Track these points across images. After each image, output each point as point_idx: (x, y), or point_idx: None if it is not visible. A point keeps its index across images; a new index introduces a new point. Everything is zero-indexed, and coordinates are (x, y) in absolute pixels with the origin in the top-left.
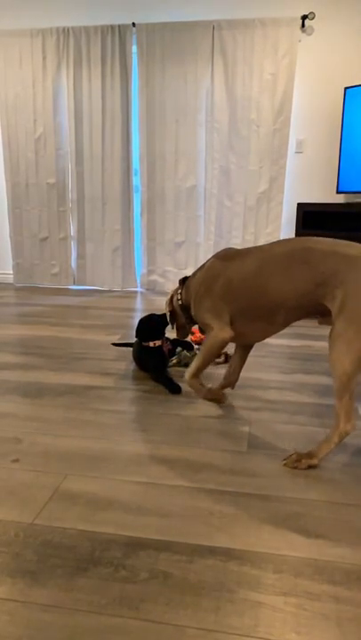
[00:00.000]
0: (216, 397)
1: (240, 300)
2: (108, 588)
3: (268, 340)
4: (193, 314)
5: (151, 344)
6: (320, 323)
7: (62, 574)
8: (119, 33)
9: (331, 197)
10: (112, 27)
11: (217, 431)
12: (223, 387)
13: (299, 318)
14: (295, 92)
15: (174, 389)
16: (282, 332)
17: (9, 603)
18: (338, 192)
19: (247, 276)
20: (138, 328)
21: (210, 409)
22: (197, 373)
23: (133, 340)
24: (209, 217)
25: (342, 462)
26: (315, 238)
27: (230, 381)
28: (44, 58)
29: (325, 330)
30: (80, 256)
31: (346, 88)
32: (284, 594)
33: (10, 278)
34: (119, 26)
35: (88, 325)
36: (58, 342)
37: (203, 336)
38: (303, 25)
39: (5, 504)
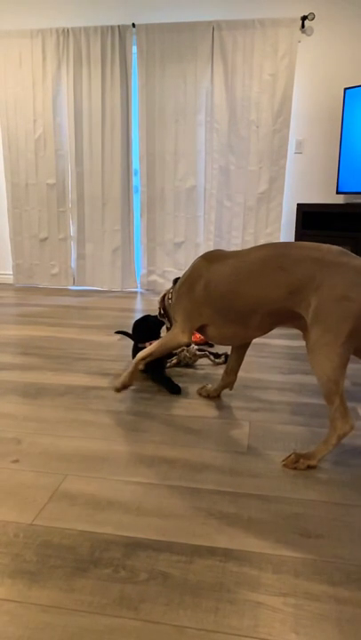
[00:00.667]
0: (127, 385)
1: (216, 302)
2: (107, 588)
3: (268, 341)
4: (171, 309)
5: (147, 345)
6: (305, 338)
7: (62, 575)
8: (119, 33)
9: (330, 198)
10: (112, 27)
11: (217, 432)
12: (222, 387)
13: (275, 324)
14: (295, 93)
15: (174, 389)
16: (281, 332)
17: (8, 603)
18: (338, 192)
19: (223, 280)
20: (133, 329)
21: (210, 409)
22: (146, 358)
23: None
24: (209, 217)
25: (342, 463)
26: (292, 243)
27: (228, 382)
28: (44, 58)
29: None
30: (80, 256)
31: (345, 89)
32: (284, 594)
33: (10, 279)
34: (119, 26)
35: (88, 326)
36: (57, 343)
37: (203, 337)
38: (303, 26)
39: (5, 504)
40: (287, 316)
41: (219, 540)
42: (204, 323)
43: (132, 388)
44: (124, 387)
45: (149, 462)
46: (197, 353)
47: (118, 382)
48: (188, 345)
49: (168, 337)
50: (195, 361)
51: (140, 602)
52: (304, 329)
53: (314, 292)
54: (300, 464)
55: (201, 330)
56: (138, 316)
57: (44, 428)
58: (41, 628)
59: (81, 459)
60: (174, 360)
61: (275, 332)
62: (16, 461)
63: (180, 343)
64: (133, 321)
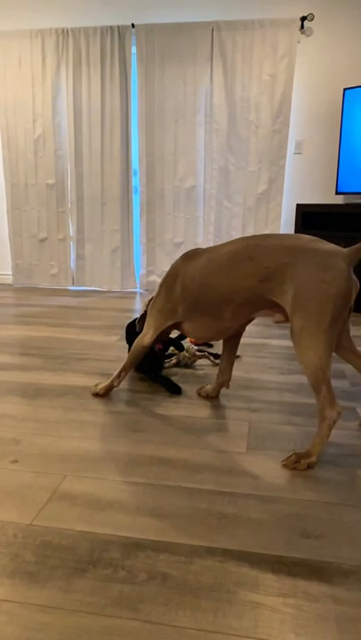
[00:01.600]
0: (100, 395)
1: (191, 296)
2: (106, 588)
3: (267, 342)
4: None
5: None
6: (276, 322)
7: (61, 575)
8: (118, 34)
9: (330, 198)
10: (111, 27)
11: (216, 432)
12: (219, 386)
13: (250, 314)
14: (294, 93)
15: (174, 389)
16: (280, 332)
17: (7, 604)
18: (337, 193)
19: (197, 274)
20: (126, 334)
21: (209, 410)
22: (121, 374)
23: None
24: (208, 218)
25: (341, 463)
26: (263, 235)
27: (224, 380)
28: (44, 59)
29: None
30: (79, 257)
31: (345, 89)
32: (283, 595)
33: (9, 279)
34: (118, 27)
35: (87, 326)
36: (56, 343)
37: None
38: (302, 26)
39: (4, 505)
40: (261, 305)
41: (218, 541)
42: (177, 320)
43: (132, 388)
44: (97, 395)
45: (148, 462)
46: (197, 354)
47: (97, 389)
48: (149, 347)
49: (134, 344)
50: (194, 361)
51: (139, 602)
52: (282, 319)
53: (289, 280)
54: (300, 464)
55: (178, 327)
56: (137, 316)
57: (44, 429)
58: (40, 629)
59: (80, 459)
60: (174, 360)
61: (273, 332)
62: (15, 462)
63: (143, 345)
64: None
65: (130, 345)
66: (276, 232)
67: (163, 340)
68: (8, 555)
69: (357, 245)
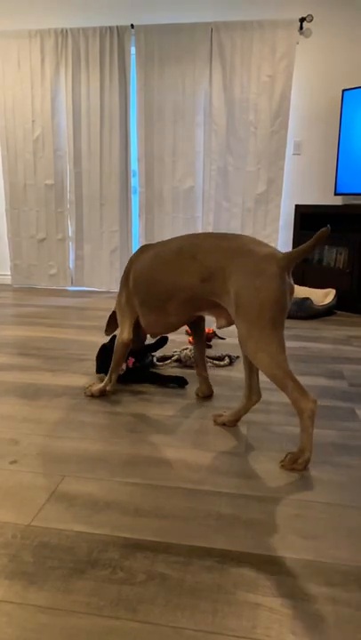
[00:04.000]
0: (94, 396)
1: (140, 290)
2: (105, 589)
3: None
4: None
5: (120, 371)
6: (219, 327)
7: (59, 576)
8: (118, 34)
9: (329, 199)
10: (110, 28)
11: (215, 433)
12: (203, 381)
13: (194, 312)
14: (293, 94)
15: (180, 382)
16: None
17: (6, 604)
18: (336, 194)
19: (146, 267)
20: (98, 364)
21: (208, 411)
22: (112, 374)
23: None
24: (207, 218)
25: (340, 464)
26: (207, 234)
27: (200, 372)
28: (43, 59)
29: (322, 331)
30: (78, 257)
31: (344, 90)
32: (282, 595)
33: (7, 279)
34: (117, 27)
35: (86, 327)
36: (55, 343)
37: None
38: (301, 27)
39: (2, 505)
40: (205, 304)
41: (217, 541)
42: (137, 314)
43: (131, 389)
44: (92, 396)
45: (147, 463)
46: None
47: (91, 389)
48: (131, 340)
49: (116, 343)
50: (194, 362)
51: (137, 603)
52: (224, 322)
53: (228, 282)
54: (297, 464)
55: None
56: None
57: (42, 429)
58: (38, 630)
59: (79, 459)
60: (175, 357)
61: None
62: (14, 462)
63: (124, 342)
64: None
65: (104, 372)
66: (274, 233)
67: (136, 347)
68: (6, 555)
69: (295, 250)
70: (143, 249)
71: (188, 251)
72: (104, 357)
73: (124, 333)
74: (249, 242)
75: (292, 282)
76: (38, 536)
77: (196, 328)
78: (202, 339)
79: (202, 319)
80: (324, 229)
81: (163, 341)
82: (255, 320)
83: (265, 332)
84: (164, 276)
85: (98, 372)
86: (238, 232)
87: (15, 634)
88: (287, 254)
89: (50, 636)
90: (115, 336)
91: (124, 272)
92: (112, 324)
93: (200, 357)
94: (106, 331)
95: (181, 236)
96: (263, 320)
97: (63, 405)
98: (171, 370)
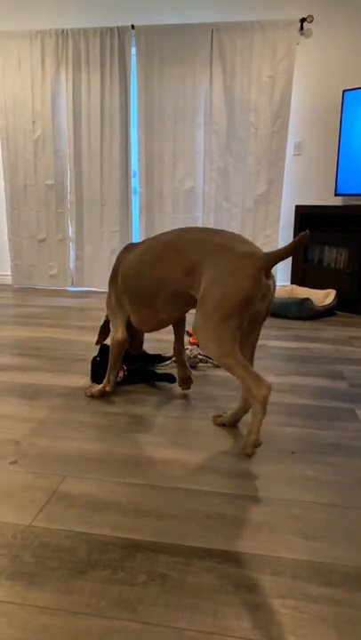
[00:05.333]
0: (94, 396)
1: (129, 286)
2: (105, 590)
3: (265, 343)
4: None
5: (118, 379)
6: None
7: (60, 576)
8: (118, 35)
9: (329, 199)
10: (111, 29)
11: (214, 433)
12: (182, 369)
13: (182, 307)
14: (293, 95)
15: (168, 379)
16: (278, 333)
17: (6, 605)
18: (336, 194)
19: (134, 263)
20: (92, 374)
21: (207, 411)
22: (110, 374)
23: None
24: (207, 219)
25: (339, 464)
26: (194, 228)
27: (180, 360)
28: (43, 60)
29: (322, 332)
30: (78, 257)
31: (344, 91)
32: (282, 596)
33: (8, 279)
34: (118, 28)
35: (86, 327)
36: (55, 344)
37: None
38: (302, 28)
39: (3, 506)
40: (191, 300)
41: (217, 542)
42: (128, 313)
43: (131, 389)
44: (92, 396)
45: (147, 464)
46: (198, 356)
47: (92, 390)
48: (125, 339)
49: (112, 343)
50: (195, 363)
51: (138, 604)
52: None
53: (203, 277)
54: (247, 449)
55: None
56: None
57: (43, 430)
58: (39, 630)
59: (79, 460)
60: (174, 357)
61: (271, 333)
62: (14, 462)
63: (119, 341)
64: None
65: (97, 381)
66: (274, 233)
67: (135, 352)
68: (7, 556)
69: (274, 251)
70: (129, 247)
71: (175, 244)
72: (97, 368)
73: (118, 333)
74: (232, 238)
75: (271, 282)
76: (39, 536)
77: (178, 323)
78: (179, 334)
79: (182, 321)
80: (303, 234)
81: (161, 360)
82: (209, 314)
83: (212, 325)
84: (151, 270)
85: (92, 380)
86: (238, 232)
87: (16, 634)
88: (266, 255)
89: (50, 636)
90: (104, 345)
91: (112, 272)
92: (103, 333)
93: (178, 353)
94: (97, 341)
95: (171, 231)
96: (215, 315)
97: (63, 406)
98: (170, 370)
